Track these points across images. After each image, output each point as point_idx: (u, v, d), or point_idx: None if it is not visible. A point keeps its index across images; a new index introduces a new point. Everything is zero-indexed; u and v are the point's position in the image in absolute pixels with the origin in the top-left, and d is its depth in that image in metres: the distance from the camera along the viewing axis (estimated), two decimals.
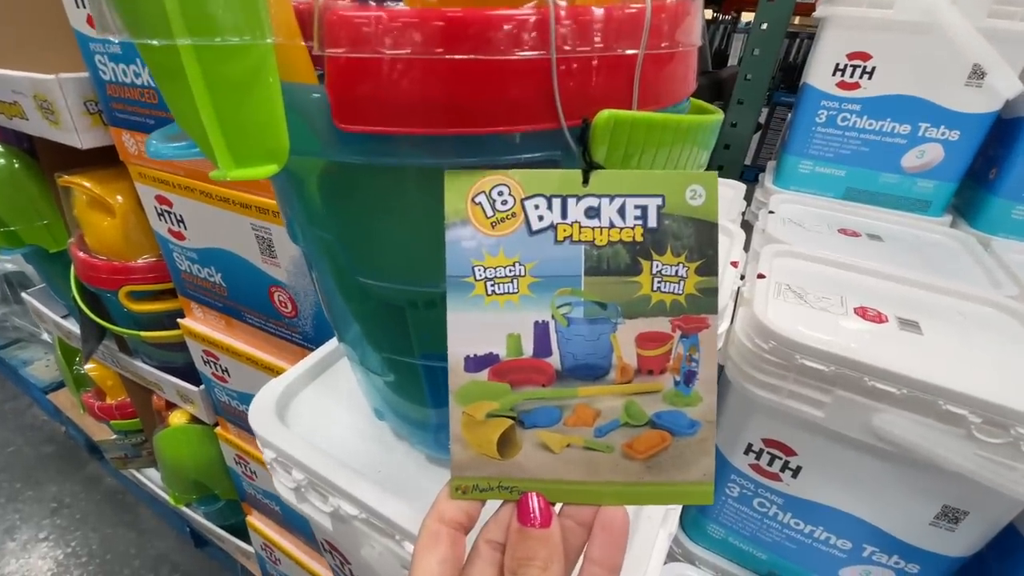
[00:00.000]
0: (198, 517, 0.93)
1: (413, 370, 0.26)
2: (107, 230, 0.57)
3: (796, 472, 0.53)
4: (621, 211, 0.17)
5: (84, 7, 0.41)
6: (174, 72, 0.16)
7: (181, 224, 0.49)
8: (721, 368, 0.54)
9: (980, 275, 0.64)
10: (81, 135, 0.48)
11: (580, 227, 0.18)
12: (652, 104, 0.19)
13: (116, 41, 0.18)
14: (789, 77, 1.59)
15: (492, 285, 0.18)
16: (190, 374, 0.68)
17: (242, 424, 0.65)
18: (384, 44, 0.15)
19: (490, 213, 0.17)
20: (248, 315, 0.51)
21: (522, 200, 0.18)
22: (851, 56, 0.74)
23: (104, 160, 0.54)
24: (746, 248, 0.73)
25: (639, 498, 0.19)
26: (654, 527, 0.28)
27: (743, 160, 1.08)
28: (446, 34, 0.15)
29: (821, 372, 0.45)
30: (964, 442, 0.42)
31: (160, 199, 0.49)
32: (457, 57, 0.15)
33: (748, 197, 0.91)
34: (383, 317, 0.25)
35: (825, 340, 0.45)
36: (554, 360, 0.19)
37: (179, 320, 0.60)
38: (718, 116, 0.21)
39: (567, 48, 0.16)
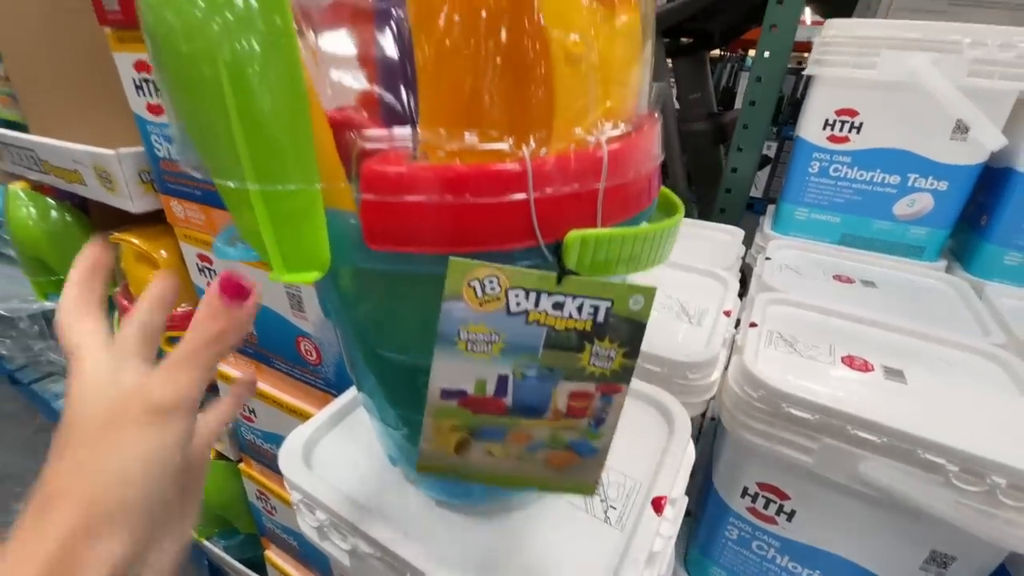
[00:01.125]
0: (216, 550, 0.96)
1: (418, 425, 0.30)
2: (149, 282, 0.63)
3: (791, 516, 0.55)
4: (579, 308, 0.22)
5: (143, 95, 0.48)
6: (243, 204, 0.21)
7: None
8: (711, 417, 0.57)
9: (971, 321, 0.66)
10: (134, 201, 0.54)
11: (547, 315, 0.22)
12: (617, 218, 0.23)
13: (196, 176, 0.23)
14: (797, 112, 1.64)
15: (472, 345, 0.23)
16: None
17: (265, 461, 0.69)
18: (405, 192, 0.19)
19: (480, 295, 0.22)
20: (276, 361, 0.56)
21: (507, 289, 0.22)
22: (839, 112, 0.79)
23: (149, 218, 0.60)
24: (746, 291, 0.76)
25: (547, 487, 0.28)
26: (638, 569, 0.31)
27: (743, 204, 1.12)
28: (452, 185, 0.19)
29: (807, 420, 0.48)
30: (944, 490, 0.44)
31: (201, 257, 0.54)
32: (461, 201, 0.19)
33: (750, 239, 0.95)
34: (398, 380, 0.29)
35: (811, 390, 0.48)
36: (507, 400, 0.24)
37: None
38: (672, 223, 0.25)
39: (547, 191, 0.20)
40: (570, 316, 0.22)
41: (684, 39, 1.62)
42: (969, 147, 0.74)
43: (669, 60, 1.67)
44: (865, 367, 0.54)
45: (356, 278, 0.26)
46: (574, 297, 0.22)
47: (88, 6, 0.64)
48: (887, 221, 0.81)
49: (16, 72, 0.63)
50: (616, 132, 0.24)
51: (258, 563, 0.91)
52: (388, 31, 0.25)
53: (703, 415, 0.61)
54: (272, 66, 0.18)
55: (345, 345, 0.31)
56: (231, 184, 0.20)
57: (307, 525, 0.38)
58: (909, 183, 0.78)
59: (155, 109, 0.46)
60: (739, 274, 0.86)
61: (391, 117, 0.26)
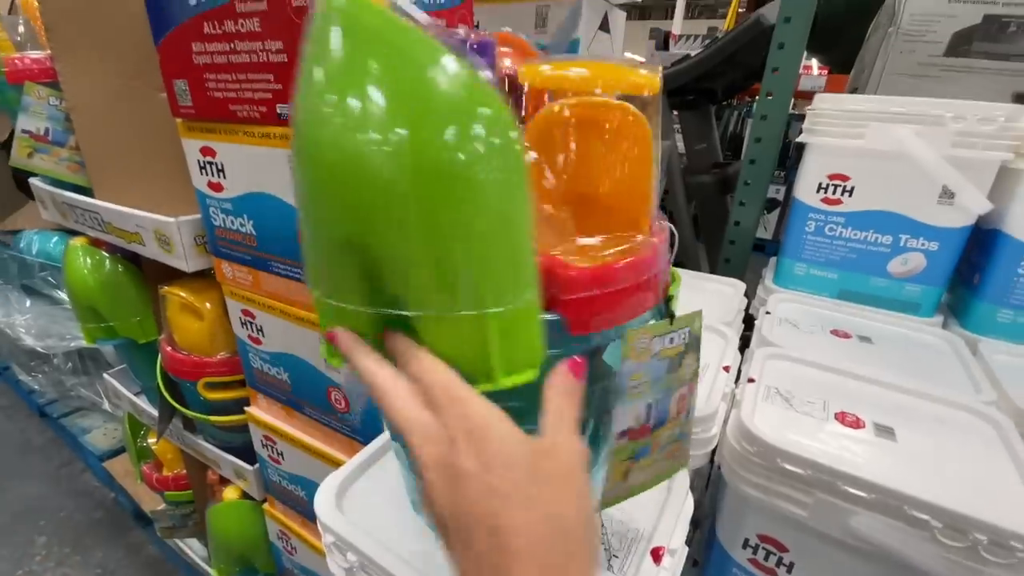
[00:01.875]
0: None
1: None
2: (195, 331, 0.69)
3: (790, 568, 0.57)
4: (679, 337, 0.31)
5: (205, 175, 0.55)
6: (467, 329, 0.23)
7: (260, 332, 0.60)
8: (718, 467, 0.60)
9: (964, 379, 0.69)
10: (189, 261, 0.60)
11: (667, 348, 0.30)
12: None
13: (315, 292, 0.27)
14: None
15: (634, 389, 0.30)
16: (246, 454, 0.77)
17: (289, 502, 0.73)
18: (599, 286, 0.26)
19: (638, 350, 0.29)
20: (307, 408, 0.61)
21: (651, 339, 0.29)
22: (831, 176, 0.84)
23: (195, 273, 0.67)
24: (747, 344, 0.80)
25: (667, 476, 0.37)
26: None
27: (747, 255, 1.16)
28: (623, 274, 0.27)
29: (801, 475, 0.51)
30: (930, 545, 0.47)
31: (245, 312, 0.60)
32: (624, 285, 0.27)
33: (755, 283, 0.99)
34: None
35: (804, 446, 0.52)
36: (651, 422, 0.32)
37: (245, 408, 0.70)
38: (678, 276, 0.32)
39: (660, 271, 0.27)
40: (675, 344, 0.30)
41: (689, 96, 1.71)
42: (956, 210, 0.78)
43: (675, 112, 1.75)
44: (857, 424, 0.57)
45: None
46: (678, 331, 0.30)
47: (150, 87, 0.73)
48: (883, 278, 0.85)
49: (86, 142, 0.71)
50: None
51: None
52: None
53: (711, 463, 0.64)
54: (507, 195, 0.21)
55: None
56: (458, 312, 0.22)
57: (336, 566, 0.42)
58: (901, 243, 0.82)
59: (215, 187, 0.53)
60: (742, 325, 0.90)
61: None
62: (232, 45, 0.44)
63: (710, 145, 1.87)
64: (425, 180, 0.20)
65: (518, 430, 0.22)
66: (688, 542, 0.54)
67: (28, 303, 1.51)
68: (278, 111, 0.44)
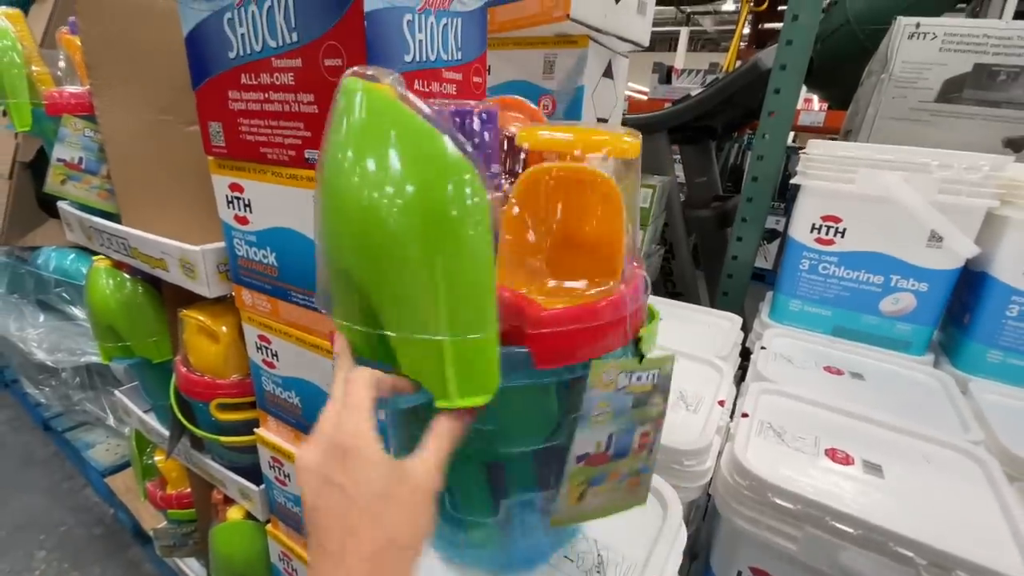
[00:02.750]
0: None
1: (466, 497, 0.37)
2: (210, 354, 0.72)
3: None
4: (647, 377, 0.32)
5: (232, 208, 0.58)
6: (427, 352, 0.27)
7: (275, 357, 0.63)
8: (711, 498, 0.62)
9: (953, 417, 0.71)
10: (211, 287, 0.64)
11: (634, 385, 0.32)
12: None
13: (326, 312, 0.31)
14: None
15: (598, 418, 0.32)
16: (252, 474, 0.79)
17: (292, 524, 0.75)
18: (564, 325, 0.29)
19: (605, 382, 0.31)
20: None
21: (618, 374, 0.31)
22: (824, 218, 0.88)
23: (213, 298, 0.70)
24: (743, 378, 0.82)
25: (624, 507, 0.38)
26: None
27: (745, 287, 1.19)
28: (594, 315, 0.29)
29: (791, 510, 0.53)
30: None
31: (262, 337, 0.63)
32: (589, 325, 0.29)
33: (753, 312, 1.02)
34: (470, 466, 0.37)
35: (794, 481, 0.54)
36: (611, 451, 0.34)
37: (255, 429, 0.72)
38: (657, 317, 0.34)
39: (631, 308, 0.29)
40: (643, 383, 0.32)
41: (690, 132, 1.76)
42: (945, 253, 0.81)
43: (675, 147, 1.81)
44: (846, 460, 0.59)
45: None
46: (647, 372, 0.32)
47: (179, 122, 0.78)
48: (875, 316, 0.87)
49: (117, 172, 0.75)
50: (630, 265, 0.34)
51: None
52: None
53: (708, 495, 0.65)
54: (479, 246, 0.26)
55: (397, 438, 0.39)
56: (422, 335, 0.26)
57: None
58: (892, 283, 0.85)
59: (241, 220, 0.57)
60: (739, 358, 0.92)
61: None
62: (266, 95, 0.48)
63: (710, 178, 1.92)
64: (426, 228, 0.25)
65: (384, 455, 0.26)
66: (685, 573, 0.55)
67: (41, 318, 1.54)
68: (306, 156, 0.47)
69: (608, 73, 0.86)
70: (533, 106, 0.39)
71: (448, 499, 0.38)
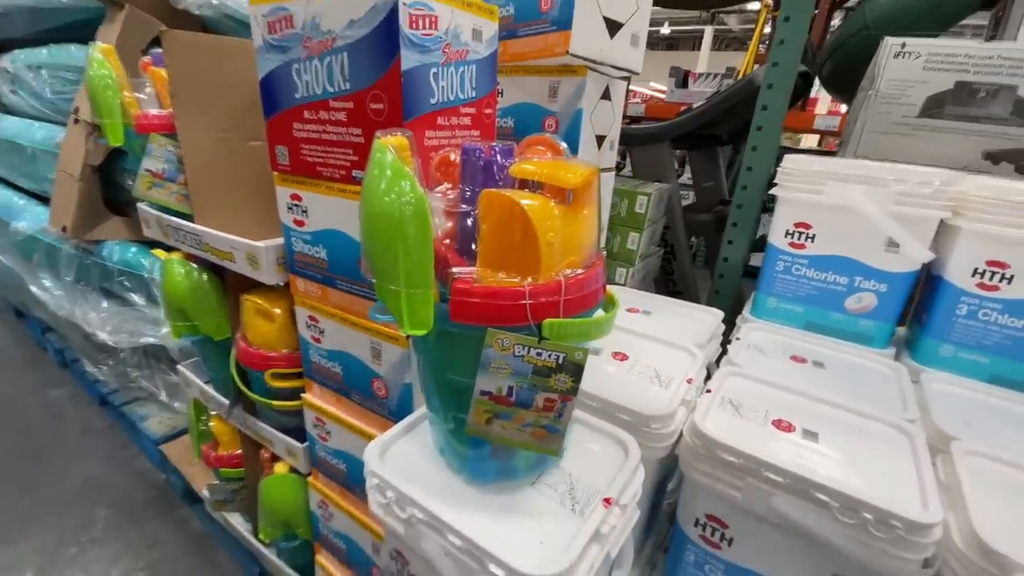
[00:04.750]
0: (272, 556, 1.15)
1: (462, 422, 0.50)
2: (266, 331, 0.87)
3: (730, 542, 0.70)
4: (549, 355, 0.44)
5: (292, 213, 0.73)
6: (392, 296, 0.42)
7: (321, 333, 0.77)
8: (677, 458, 0.74)
9: (897, 400, 0.81)
10: (271, 276, 0.79)
11: (533, 357, 0.44)
12: (574, 311, 0.44)
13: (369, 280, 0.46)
14: None
15: (496, 370, 0.44)
16: (296, 434, 0.94)
17: (331, 475, 0.89)
18: (473, 296, 0.42)
19: (501, 346, 0.43)
20: (353, 395, 0.78)
21: (514, 344, 0.43)
22: (797, 225, 0.99)
23: (267, 285, 0.85)
24: (718, 364, 0.94)
25: (533, 448, 0.49)
26: (586, 539, 0.49)
27: (735, 286, 1.30)
28: (495, 295, 0.41)
29: (734, 464, 0.65)
30: (831, 523, 0.60)
31: (311, 317, 0.78)
32: (497, 302, 0.41)
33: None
34: (452, 392, 0.50)
35: (740, 441, 0.66)
36: (513, 399, 0.45)
37: (301, 395, 0.87)
38: (602, 318, 0.46)
39: (539, 300, 0.42)
40: (544, 359, 0.44)
41: (696, 140, 1.87)
42: (901, 259, 0.92)
43: (678, 152, 1.92)
44: (789, 428, 0.70)
45: (439, 336, 0.46)
46: (548, 350, 0.43)
47: (242, 138, 0.93)
48: (840, 313, 0.98)
49: (192, 180, 0.90)
50: (574, 272, 0.46)
51: (306, 571, 1.08)
52: (469, 217, 0.48)
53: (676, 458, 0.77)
54: (419, 228, 0.41)
55: (424, 372, 0.53)
56: (392, 287, 0.42)
57: (376, 503, 0.57)
58: (855, 284, 0.96)
59: (298, 223, 0.71)
60: (719, 348, 1.04)
61: (464, 252, 0.48)
62: (324, 127, 0.62)
63: (717, 183, 2.03)
64: (391, 225, 0.41)
65: None
66: (664, 533, 0.68)
67: (104, 303, 1.73)
68: (353, 174, 0.61)
69: (606, 95, 0.98)
70: (558, 143, 0.51)
71: (454, 429, 0.52)
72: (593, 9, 0.83)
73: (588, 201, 0.49)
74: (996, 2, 2.78)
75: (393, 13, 0.52)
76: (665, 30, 14.30)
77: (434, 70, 0.57)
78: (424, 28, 0.55)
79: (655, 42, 15.81)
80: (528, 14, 0.86)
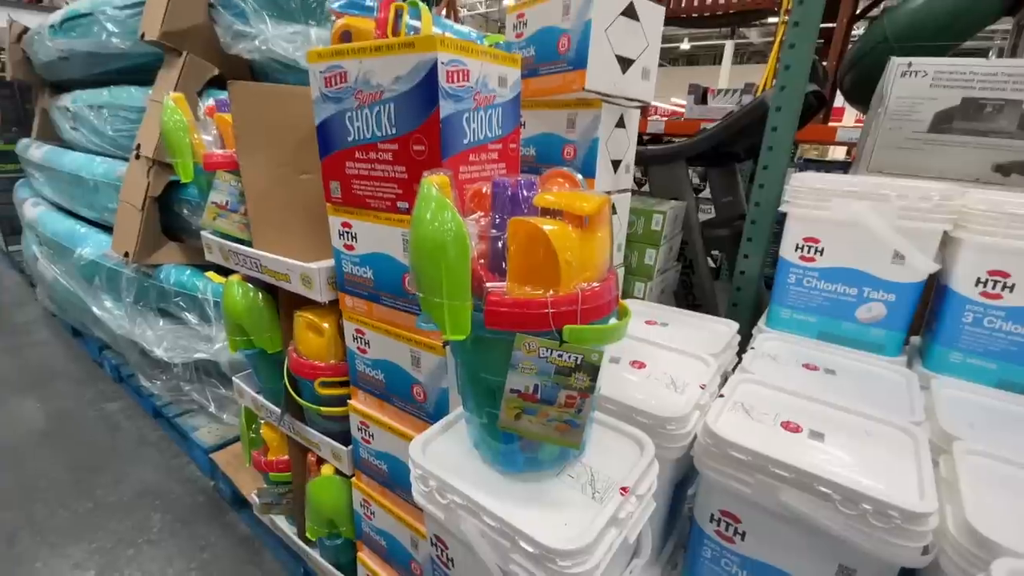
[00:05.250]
0: (315, 555, 1.23)
1: (494, 417, 0.58)
2: (315, 344, 0.97)
3: (743, 536, 0.75)
4: (569, 357, 0.51)
5: (342, 239, 0.83)
6: (436, 307, 0.51)
7: (367, 345, 0.87)
8: (693, 459, 0.80)
9: (905, 405, 0.86)
10: (322, 294, 0.89)
11: (556, 358, 0.52)
12: (591, 319, 0.52)
13: (415, 294, 0.54)
14: None
15: (524, 370, 0.52)
16: (341, 438, 1.03)
17: (373, 475, 0.98)
18: (504, 307, 0.50)
19: (528, 349, 0.51)
20: (395, 400, 0.87)
21: (539, 348, 0.51)
22: (806, 239, 1.04)
23: (315, 302, 0.95)
24: (734, 370, 0.99)
25: (555, 441, 0.56)
26: (603, 521, 0.56)
27: (753, 300, 1.35)
28: (522, 305, 0.50)
29: (744, 461, 0.71)
30: (834, 513, 0.65)
31: (358, 330, 0.87)
32: (525, 311, 0.49)
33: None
34: (486, 390, 0.58)
35: (749, 440, 0.71)
36: (538, 396, 0.53)
37: (348, 401, 0.96)
38: (616, 325, 0.54)
39: (560, 309, 0.50)
40: (565, 360, 0.52)
41: (714, 158, 1.93)
42: (908, 270, 0.96)
43: (690, 170, 1.98)
44: (796, 429, 0.76)
45: (475, 341, 0.55)
46: (567, 352, 0.51)
47: (295, 172, 1.04)
48: (852, 323, 1.03)
49: (252, 210, 1.02)
50: (590, 285, 0.54)
51: (349, 570, 1.17)
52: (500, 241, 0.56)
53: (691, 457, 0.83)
54: (458, 251, 0.49)
55: (461, 375, 0.61)
56: (436, 299, 0.51)
57: (419, 491, 0.65)
58: (865, 294, 1.00)
59: (348, 247, 0.81)
60: (736, 357, 1.09)
61: (496, 270, 0.57)
62: (372, 166, 0.72)
63: (736, 198, 2.08)
64: (435, 248, 0.49)
65: None
66: (684, 534, 0.74)
67: (161, 323, 1.88)
68: (398, 206, 0.71)
69: (620, 124, 1.07)
70: (576, 176, 0.60)
71: (488, 424, 0.60)
72: (606, 49, 0.92)
73: (601, 225, 0.57)
74: (1018, 10, 2.77)
75: (433, 71, 0.62)
76: (685, 46, 14.38)
77: (466, 115, 0.67)
78: (458, 81, 0.64)
79: (676, 58, 15.91)
80: (548, 55, 0.95)
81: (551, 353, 0.51)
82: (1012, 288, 0.88)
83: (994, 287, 0.89)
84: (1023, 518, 0.62)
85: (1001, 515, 0.61)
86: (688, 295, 1.73)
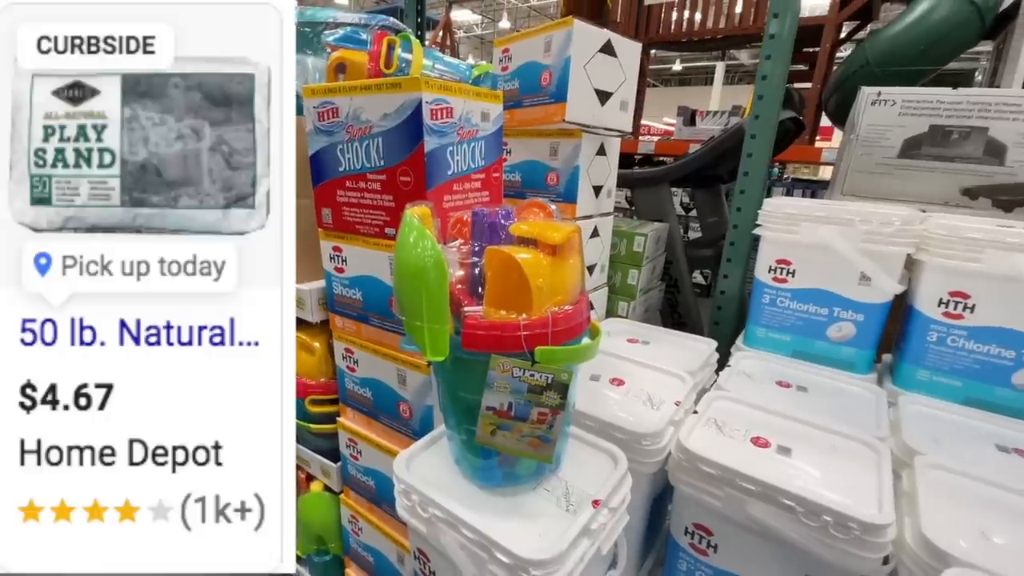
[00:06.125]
0: (304, 572, 1.25)
1: (473, 433, 0.61)
2: (307, 363, 1.00)
3: (716, 548, 0.78)
4: (541, 376, 0.55)
5: (332, 262, 0.87)
6: (418, 329, 0.55)
7: (356, 363, 0.90)
8: (666, 471, 0.83)
9: (871, 420, 0.89)
10: (313, 315, 0.92)
11: (528, 377, 0.55)
12: (562, 340, 0.56)
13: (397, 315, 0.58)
14: None
15: (499, 388, 0.56)
16: (330, 455, 1.06)
17: (361, 491, 1.00)
18: (480, 329, 0.54)
19: (502, 369, 0.55)
20: (382, 417, 0.90)
21: (512, 368, 0.55)
22: (779, 261, 1.09)
23: (306, 322, 0.99)
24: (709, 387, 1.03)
25: (528, 456, 0.60)
26: (575, 531, 0.59)
27: (733, 318, 1.39)
28: (498, 328, 0.53)
29: (714, 475, 0.74)
30: (798, 525, 0.68)
31: (347, 350, 0.91)
32: (499, 334, 0.53)
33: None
34: (464, 408, 0.62)
35: (719, 455, 0.75)
36: (512, 413, 0.56)
37: (337, 419, 0.99)
38: (585, 346, 0.58)
39: (535, 331, 0.54)
40: (536, 379, 0.55)
41: (698, 180, 1.99)
42: (874, 291, 1.01)
43: (673, 191, 2.03)
44: (765, 444, 0.79)
45: (454, 361, 0.58)
46: (539, 372, 0.55)
47: None
48: (824, 342, 1.07)
49: None
50: (561, 309, 0.58)
51: None
52: (478, 267, 0.60)
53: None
54: (437, 277, 0.53)
55: (442, 393, 0.64)
56: (417, 322, 0.55)
57: (402, 506, 0.68)
58: (835, 314, 1.05)
59: (339, 270, 0.85)
60: (714, 376, 1.13)
61: (473, 295, 0.60)
62: (362, 194, 0.76)
63: (721, 218, 2.14)
64: (415, 273, 0.53)
65: None
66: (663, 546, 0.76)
67: None
68: (385, 231, 0.75)
69: (601, 151, 1.12)
70: (550, 207, 0.64)
71: (467, 440, 0.63)
72: (585, 83, 0.98)
73: (572, 252, 0.61)
74: (997, 35, 2.87)
75: (418, 109, 0.66)
76: (677, 67, 14.70)
77: (450, 148, 0.72)
78: (442, 118, 0.69)
79: (668, 78, 16.24)
80: (531, 88, 1.01)
81: (524, 373, 0.55)
82: (972, 308, 0.92)
83: (955, 307, 0.94)
84: (977, 530, 0.65)
85: (956, 527, 0.64)
86: (673, 313, 1.77)
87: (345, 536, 1.09)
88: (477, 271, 0.60)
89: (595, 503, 0.63)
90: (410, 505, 0.67)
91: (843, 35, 3.54)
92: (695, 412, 0.86)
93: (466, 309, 0.57)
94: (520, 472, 0.65)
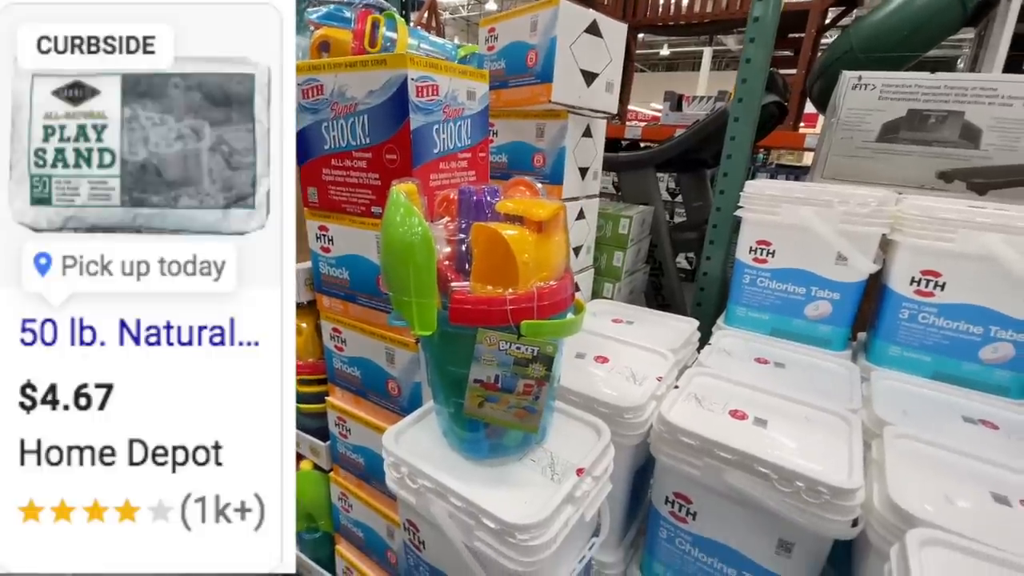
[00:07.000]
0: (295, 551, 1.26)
1: (461, 406, 0.63)
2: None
3: (695, 516, 0.81)
4: (526, 348, 0.56)
5: (319, 242, 0.87)
6: (406, 304, 0.56)
7: (344, 342, 0.91)
8: (649, 444, 0.86)
9: (845, 394, 0.93)
10: (301, 295, 0.93)
11: (514, 350, 0.57)
12: (547, 315, 0.57)
13: (385, 292, 0.59)
14: None
15: (486, 361, 0.57)
16: (319, 434, 1.07)
17: (351, 469, 1.02)
18: (467, 304, 0.55)
19: (488, 343, 0.56)
20: (371, 395, 0.91)
21: (499, 341, 0.56)
22: (759, 242, 1.11)
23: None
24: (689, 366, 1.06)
25: (515, 426, 0.63)
26: (560, 498, 0.62)
27: (715, 299, 1.42)
28: (485, 302, 0.55)
29: (693, 446, 0.77)
30: (773, 492, 0.71)
31: (335, 329, 0.91)
32: (486, 308, 0.55)
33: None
34: (452, 381, 0.63)
35: (698, 427, 0.77)
36: (499, 385, 0.58)
37: (325, 398, 1.00)
38: (570, 320, 0.59)
39: (520, 305, 0.55)
40: (522, 351, 0.57)
41: (683, 164, 2.01)
42: (850, 270, 1.04)
43: (658, 175, 2.05)
44: (742, 417, 0.82)
45: (442, 336, 0.59)
46: (524, 345, 0.56)
47: None
48: (801, 320, 1.10)
49: None
50: (546, 284, 0.59)
51: (327, 564, 1.20)
52: (464, 244, 0.61)
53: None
54: (425, 253, 0.54)
55: (430, 368, 0.66)
56: (405, 298, 0.56)
57: (392, 478, 0.70)
58: (812, 293, 1.08)
59: (325, 249, 0.86)
60: (696, 354, 1.16)
61: (460, 271, 0.62)
62: (348, 172, 0.76)
63: (706, 202, 2.16)
64: (403, 250, 0.54)
65: None
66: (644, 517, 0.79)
67: None
68: (372, 210, 0.76)
69: (587, 133, 1.13)
70: (536, 185, 0.65)
71: (455, 413, 0.65)
72: (571, 64, 0.98)
73: (557, 229, 0.62)
74: (979, 22, 2.91)
75: (403, 85, 0.67)
76: (665, 52, 14.64)
77: (436, 126, 0.72)
78: (428, 95, 0.69)
79: (655, 64, 16.18)
80: (517, 68, 1.01)
81: (510, 346, 0.57)
82: (943, 286, 0.96)
83: (927, 285, 0.97)
84: (941, 494, 0.69)
85: (921, 491, 0.68)
86: (657, 295, 1.80)
87: (335, 513, 1.11)
88: (464, 247, 0.61)
89: (579, 471, 0.66)
90: (399, 477, 0.69)
91: (828, 20, 3.56)
92: (676, 387, 0.89)
93: (453, 284, 0.58)
94: (507, 443, 0.67)
